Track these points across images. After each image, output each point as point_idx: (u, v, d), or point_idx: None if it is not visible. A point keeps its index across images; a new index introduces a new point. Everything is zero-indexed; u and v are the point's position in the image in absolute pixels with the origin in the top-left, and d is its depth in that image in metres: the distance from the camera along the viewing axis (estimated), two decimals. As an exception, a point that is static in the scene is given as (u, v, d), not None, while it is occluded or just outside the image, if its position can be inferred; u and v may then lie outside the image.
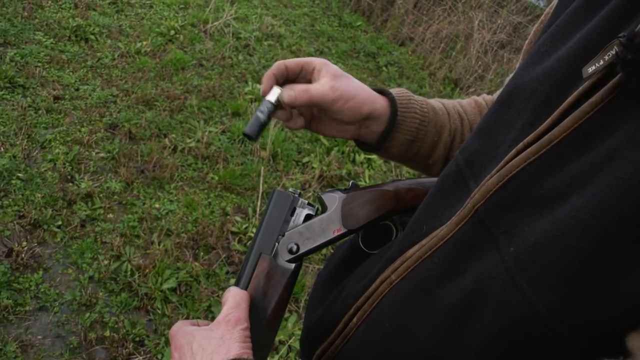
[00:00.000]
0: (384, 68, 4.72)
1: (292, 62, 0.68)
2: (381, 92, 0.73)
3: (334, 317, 0.62)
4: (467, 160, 0.53)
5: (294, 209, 0.64)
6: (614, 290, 0.36)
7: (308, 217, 0.64)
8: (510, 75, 0.75)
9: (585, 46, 0.45)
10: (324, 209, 0.65)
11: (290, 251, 0.62)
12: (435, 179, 0.69)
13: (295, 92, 0.65)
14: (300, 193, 0.65)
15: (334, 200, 0.64)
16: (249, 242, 0.64)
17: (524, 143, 0.44)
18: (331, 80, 0.66)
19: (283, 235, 0.63)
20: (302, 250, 0.63)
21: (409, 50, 5.15)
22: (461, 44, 4.98)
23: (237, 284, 0.62)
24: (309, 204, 0.65)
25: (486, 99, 0.82)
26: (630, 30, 0.37)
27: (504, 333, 0.42)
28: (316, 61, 0.68)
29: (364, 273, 0.62)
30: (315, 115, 0.72)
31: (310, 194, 2.87)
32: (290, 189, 0.65)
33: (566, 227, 0.38)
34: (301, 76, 0.69)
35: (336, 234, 0.64)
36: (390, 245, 0.62)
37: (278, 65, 0.68)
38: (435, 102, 0.77)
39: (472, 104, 0.80)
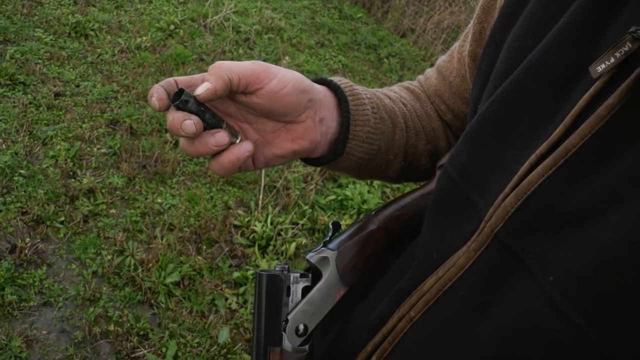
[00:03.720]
0: (385, 60, 4.70)
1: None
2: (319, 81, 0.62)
3: (346, 352, 0.58)
4: (460, 172, 0.49)
5: (289, 288, 0.58)
6: None
7: (305, 289, 0.58)
8: (456, 45, 0.69)
9: (576, 34, 0.42)
10: (318, 273, 0.59)
11: (299, 334, 0.57)
12: (415, 194, 0.64)
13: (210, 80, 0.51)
14: (288, 267, 0.59)
15: (326, 262, 0.58)
16: (252, 329, 0.59)
17: (537, 155, 0.40)
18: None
19: (286, 321, 0.57)
20: (311, 328, 0.58)
21: (410, 41, 5.13)
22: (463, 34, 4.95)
23: None
24: (301, 275, 0.59)
25: (416, 84, 0.75)
26: None
27: None
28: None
29: (372, 303, 0.58)
30: (260, 138, 0.58)
31: (313, 186, 2.86)
32: (277, 266, 0.58)
33: (615, 253, 0.34)
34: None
35: (339, 296, 0.59)
36: (394, 271, 0.58)
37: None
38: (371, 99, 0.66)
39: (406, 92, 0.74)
